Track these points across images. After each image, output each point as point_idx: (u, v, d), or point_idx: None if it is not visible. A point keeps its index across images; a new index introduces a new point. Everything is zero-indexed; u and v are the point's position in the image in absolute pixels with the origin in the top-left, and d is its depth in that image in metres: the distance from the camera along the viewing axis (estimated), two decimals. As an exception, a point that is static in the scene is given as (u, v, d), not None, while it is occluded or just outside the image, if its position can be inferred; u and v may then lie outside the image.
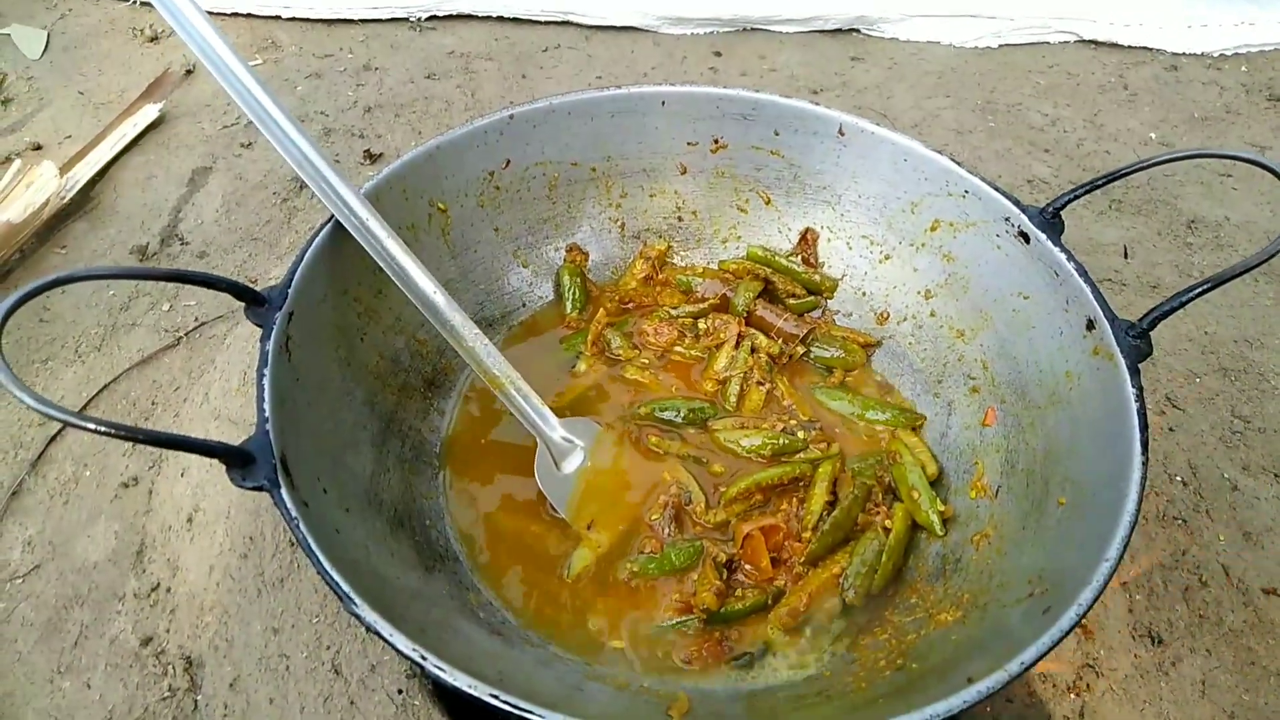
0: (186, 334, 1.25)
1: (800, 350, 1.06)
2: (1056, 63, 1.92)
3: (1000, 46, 1.95)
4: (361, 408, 0.90)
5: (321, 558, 0.65)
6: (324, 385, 0.85)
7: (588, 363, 1.05)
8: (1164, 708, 0.93)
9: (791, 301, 1.10)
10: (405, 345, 0.98)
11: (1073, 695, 0.91)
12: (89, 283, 1.31)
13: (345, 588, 0.64)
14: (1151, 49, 1.95)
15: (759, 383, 1.02)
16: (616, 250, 1.15)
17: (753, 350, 1.04)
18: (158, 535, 1.03)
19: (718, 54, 1.90)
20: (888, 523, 0.89)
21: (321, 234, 0.87)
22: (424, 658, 0.61)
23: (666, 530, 0.89)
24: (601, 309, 1.08)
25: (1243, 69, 1.92)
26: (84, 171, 1.45)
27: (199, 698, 0.91)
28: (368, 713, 0.88)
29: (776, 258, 1.13)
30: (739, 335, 1.04)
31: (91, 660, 0.94)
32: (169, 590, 0.98)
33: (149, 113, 1.57)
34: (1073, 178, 1.63)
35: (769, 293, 1.11)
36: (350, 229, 0.85)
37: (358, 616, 0.63)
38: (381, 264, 0.86)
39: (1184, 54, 1.94)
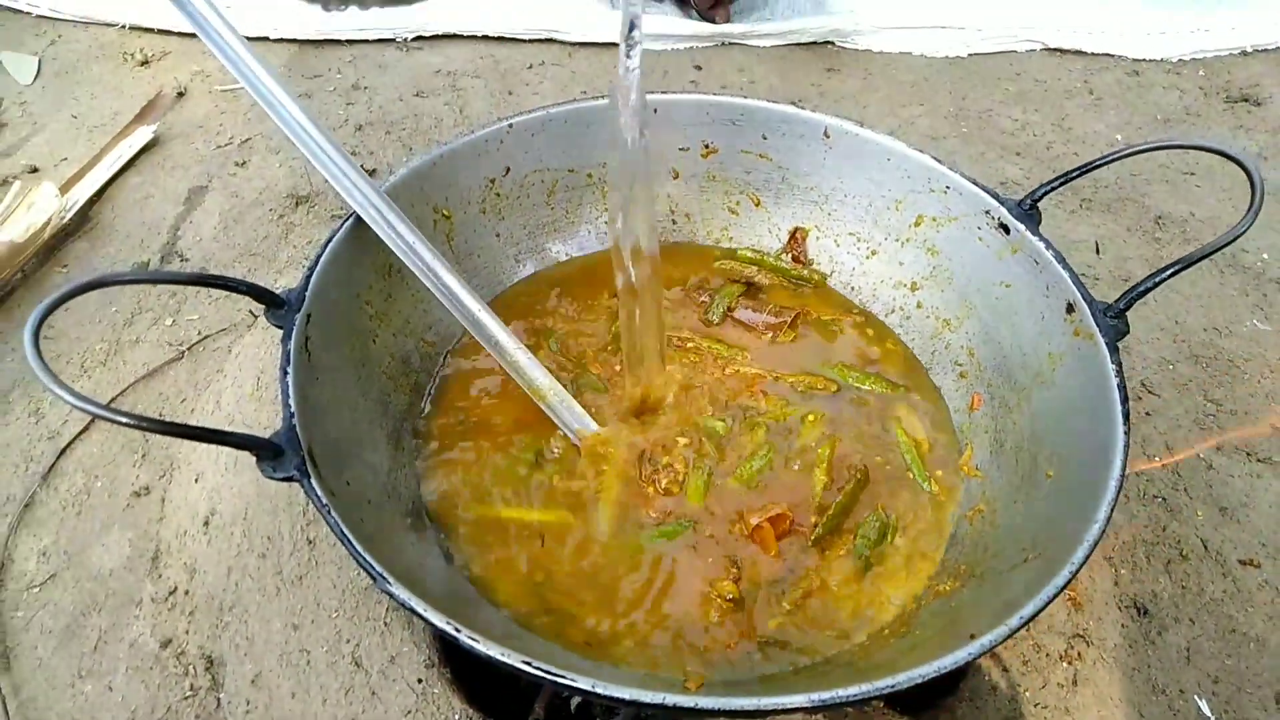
0: (190, 347, 1.27)
1: (789, 338, 1.09)
2: (1024, 70, 1.99)
3: (970, 56, 2.01)
4: (375, 407, 0.93)
5: (354, 540, 0.68)
6: (341, 385, 0.88)
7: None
8: (1152, 674, 0.97)
9: (790, 281, 1.15)
10: (415, 347, 1.01)
11: (1065, 663, 0.96)
12: (92, 300, 1.33)
13: (379, 568, 0.67)
14: (1114, 55, 2.03)
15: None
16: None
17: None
18: (172, 541, 1.04)
19: (698, 68, 1.95)
20: (885, 506, 0.93)
21: (335, 240, 0.90)
22: (458, 630, 0.64)
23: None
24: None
25: (1200, 73, 2.00)
26: (82, 192, 1.46)
27: (221, 695, 0.92)
28: (389, 702, 0.90)
29: (766, 258, 1.17)
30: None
31: (112, 664, 0.95)
32: (187, 593, 0.99)
33: (143, 134, 1.59)
34: (1044, 179, 1.68)
35: (754, 288, 1.14)
36: (399, 253, 0.91)
37: (391, 594, 0.66)
38: (429, 284, 0.92)
39: (1145, 59, 2.02)
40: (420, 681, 0.92)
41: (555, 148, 1.11)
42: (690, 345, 1.07)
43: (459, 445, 0.97)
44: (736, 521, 0.91)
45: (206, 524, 1.03)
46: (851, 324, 1.11)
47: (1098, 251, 1.53)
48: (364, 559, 0.68)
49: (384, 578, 0.67)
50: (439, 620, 0.65)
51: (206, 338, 1.29)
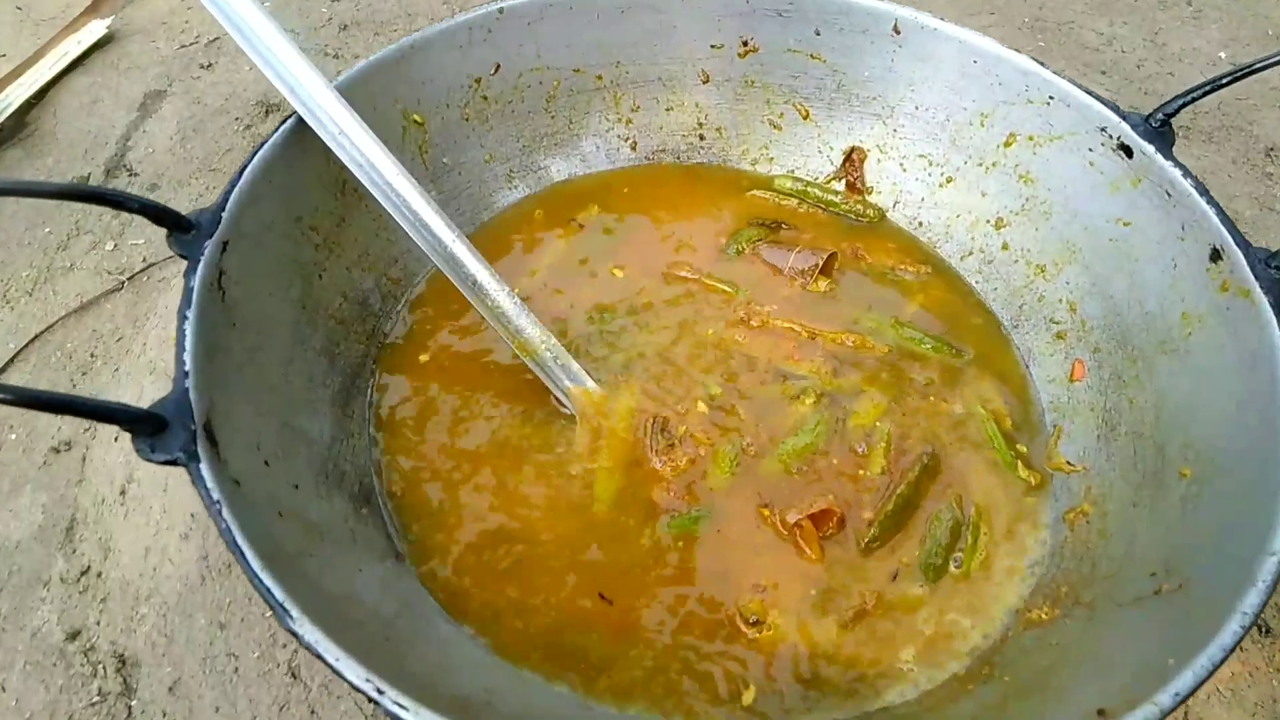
0: (131, 277, 1.10)
1: (823, 285, 0.89)
2: (1112, -24, 1.73)
3: (1049, -41, 1.75)
4: (319, 359, 0.75)
5: (250, 556, 0.50)
6: (271, 332, 0.70)
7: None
8: (1279, 710, 0.78)
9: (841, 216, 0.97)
10: (374, 285, 0.84)
11: (1175, 699, 0.77)
12: (22, 218, 1.15)
13: (279, 596, 0.49)
14: (1217, -39, 1.76)
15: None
16: (627, 171, 1.00)
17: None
18: (90, 509, 0.88)
19: (734, -32, 1.71)
20: (959, 500, 0.73)
21: (266, 148, 0.72)
22: (380, 691, 0.46)
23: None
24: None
25: (1319, -17, 1.73)
26: (19, 93, 1.28)
27: (133, 703, 0.77)
28: (332, 724, 0.73)
29: (812, 186, 0.98)
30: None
31: (9, 657, 0.80)
32: (100, 575, 0.83)
33: (95, 29, 1.40)
34: (1134, 102, 1.46)
35: (782, 229, 0.96)
36: (352, 166, 0.74)
37: (295, 635, 0.48)
38: (390, 208, 0.74)
39: (1253, -33, 1.75)
40: (371, 701, 0.74)
41: (558, 41, 0.92)
42: (695, 283, 0.89)
43: (426, 410, 0.79)
44: (769, 516, 0.72)
45: (123, 494, 0.87)
46: (913, 269, 0.92)
47: (1199, 188, 1.30)
48: (261, 583, 0.49)
49: (285, 611, 0.48)
50: (355, 676, 0.47)
51: (152, 265, 1.11)
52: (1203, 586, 0.56)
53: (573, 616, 0.66)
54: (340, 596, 0.57)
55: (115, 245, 1.14)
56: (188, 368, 0.58)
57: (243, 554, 0.50)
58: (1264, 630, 0.83)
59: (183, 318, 0.60)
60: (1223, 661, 0.49)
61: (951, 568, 0.70)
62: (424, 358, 0.83)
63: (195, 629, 0.79)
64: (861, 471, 0.75)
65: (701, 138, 1.01)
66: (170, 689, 0.77)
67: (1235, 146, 1.38)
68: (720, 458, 0.75)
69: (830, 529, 0.71)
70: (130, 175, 1.24)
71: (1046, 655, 0.61)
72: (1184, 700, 0.47)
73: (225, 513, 0.52)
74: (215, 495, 0.52)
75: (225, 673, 0.77)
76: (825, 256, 0.90)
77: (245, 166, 0.70)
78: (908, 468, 0.75)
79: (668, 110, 0.99)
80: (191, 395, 0.56)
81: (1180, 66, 1.55)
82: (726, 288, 0.89)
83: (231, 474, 0.56)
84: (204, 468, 0.53)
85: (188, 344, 0.59)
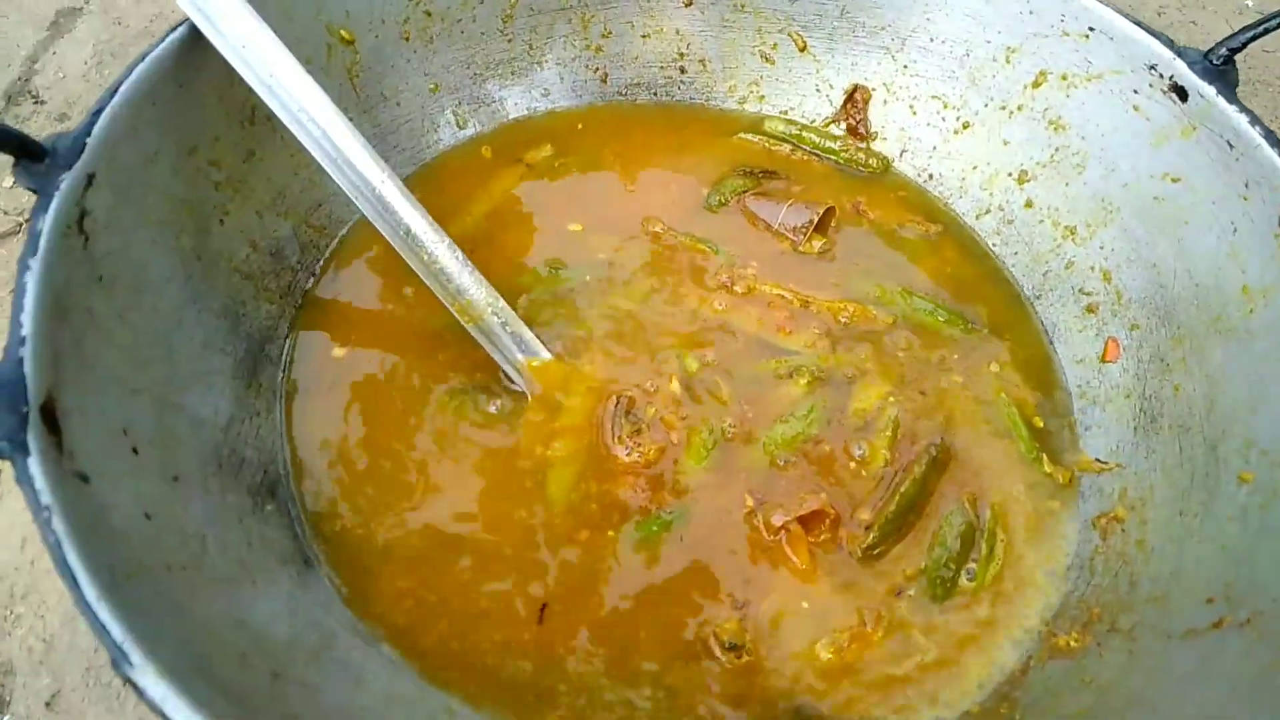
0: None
1: (817, 245, 0.81)
2: (1131, -86, 1.62)
3: (1063, -107, 1.63)
4: (218, 323, 0.65)
5: (84, 579, 0.39)
6: (151, 289, 0.60)
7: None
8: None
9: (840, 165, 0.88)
10: (292, 233, 0.73)
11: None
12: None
13: (117, 635, 0.38)
14: (1243, -100, 1.65)
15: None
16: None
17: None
18: (-34, 487, 0.77)
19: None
20: (973, 500, 0.64)
21: (150, 60, 0.62)
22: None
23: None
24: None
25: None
26: (-92, 7, 1.13)
27: (5, 718, 0.70)
28: (235, 749, 0.63)
29: (807, 130, 0.90)
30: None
31: None
32: (-29, 568, 0.72)
33: (2, -64, 1.24)
34: (1155, 51, 1.36)
35: (774, 178, 0.87)
36: (260, 90, 0.62)
37: (134, 686, 0.37)
38: (307, 142, 0.64)
39: (1282, -94, 1.65)
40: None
41: (518, -50, 0.82)
42: (668, 240, 0.79)
43: (350, 384, 0.70)
44: (752, 518, 0.63)
45: (-1, 471, 0.75)
46: (922, 228, 0.84)
47: (1224, 147, 1.21)
48: (93, 614, 0.38)
49: (123, 654, 0.37)
50: (208, 748, 0.35)
51: (56, 206, 0.99)
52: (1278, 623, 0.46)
53: (515, 638, 0.57)
54: (219, 621, 0.46)
55: (13, 183, 1.01)
56: (25, 332, 0.47)
57: (73, 577, 0.39)
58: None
59: (24, 267, 0.49)
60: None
61: (964, 580, 0.63)
62: (350, 321, 0.73)
63: (78, 634, 0.72)
64: (859, 465, 0.67)
65: (682, 70, 0.91)
66: (48, 704, 0.70)
67: (1263, 103, 1.30)
68: (695, 446, 0.66)
69: (823, 533, 0.63)
70: (36, 103, 1.11)
71: (1079, 696, 0.53)
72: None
73: (56, 522, 0.41)
74: (45, 499, 0.42)
75: (112, 686, 0.70)
76: (821, 211, 0.82)
77: (119, 83, 0.58)
78: (913, 461, 0.67)
79: (644, 38, 0.90)
80: (27, 367, 0.46)
81: (1204, 15, 1.46)
82: (706, 246, 0.79)
83: (79, 468, 0.45)
84: (33, 463, 0.42)
85: (28, 302, 0.48)
